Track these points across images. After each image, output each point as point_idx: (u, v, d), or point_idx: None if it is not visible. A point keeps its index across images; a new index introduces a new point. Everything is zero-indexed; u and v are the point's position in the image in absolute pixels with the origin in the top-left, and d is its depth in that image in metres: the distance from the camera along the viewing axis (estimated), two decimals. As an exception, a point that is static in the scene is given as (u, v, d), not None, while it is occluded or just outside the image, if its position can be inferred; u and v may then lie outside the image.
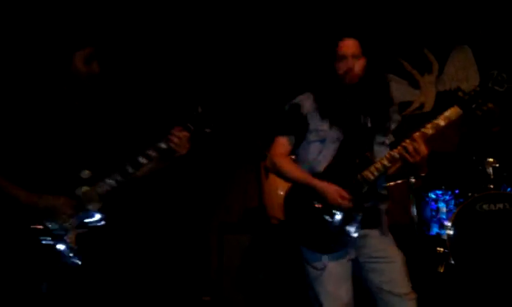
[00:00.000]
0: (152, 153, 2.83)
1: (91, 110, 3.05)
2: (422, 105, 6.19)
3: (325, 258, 2.89)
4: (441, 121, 2.88)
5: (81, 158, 2.91)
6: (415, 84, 6.21)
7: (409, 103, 6.19)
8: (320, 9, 5.67)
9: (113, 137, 3.04)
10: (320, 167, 2.97)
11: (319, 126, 3.01)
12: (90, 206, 2.82)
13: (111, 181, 2.83)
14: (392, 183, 5.19)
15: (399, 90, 6.18)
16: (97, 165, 2.88)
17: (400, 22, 6.09)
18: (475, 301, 4.46)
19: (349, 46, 2.95)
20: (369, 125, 2.95)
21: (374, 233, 2.99)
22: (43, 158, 2.90)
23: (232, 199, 5.86)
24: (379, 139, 3.00)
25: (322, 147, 2.99)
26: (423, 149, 2.80)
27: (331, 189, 2.86)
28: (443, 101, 6.07)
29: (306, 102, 3.08)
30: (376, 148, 3.00)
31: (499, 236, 4.54)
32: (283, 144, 3.12)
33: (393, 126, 3.05)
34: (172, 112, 3.16)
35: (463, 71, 6.04)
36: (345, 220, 2.88)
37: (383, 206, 3.06)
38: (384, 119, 3.00)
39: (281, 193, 5.21)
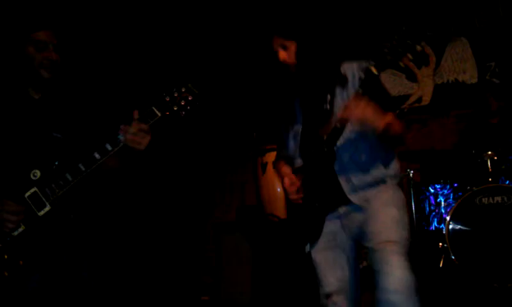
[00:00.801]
0: (109, 148, 2.62)
1: (48, 104, 2.86)
2: (420, 98, 6.16)
3: (307, 247, 2.88)
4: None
5: (32, 157, 2.71)
6: (413, 77, 6.18)
7: (407, 96, 6.17)
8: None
9: (70, 132, 2.83)
10: (298, 162, 2.98)
11: (285, 123, 3.07)
12: (39, 211, 2.63)
13: (60, 182, 2.63)
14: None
15: (397, 83, 6.16)
16: (49, 164, 2.68)
17: (396, 15, 6.06)
18: (475, 295, 4.46)
19: (275, 41, 2.90)
20: (327, 106, 2.83)
21: (353, 208, 2.81)
22: None
23: (229, 198, 5.83)
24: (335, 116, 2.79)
25: (294, 142, 3.01)
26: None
27: (284, 179, 2.87)
28: (441, 93, 6.05)
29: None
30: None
31: (498, 229, 4.52)
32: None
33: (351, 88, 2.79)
34: (138, 98, 2.92)
35: (460, 64, 6.01)
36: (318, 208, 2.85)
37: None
38: (334, 94, 2.83)
39: (279, 190, 5.21)
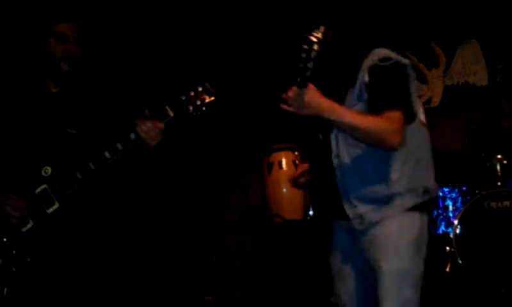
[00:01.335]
0: (119, 147, 2.59)
1: (65, 98, 2.83)
2: (429, 100, 6.12)
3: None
4: None
5: (45, 153, 2.69)
6: (423, 79, 6.13)
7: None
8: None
9: (85, 129, 2.79)
10: None
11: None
12: (48, 208, 2.62)
13: (70, 180, 2.61)
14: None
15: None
16: (61, 161, 2.65)
17: (407, 16, 6.01)
18: (483, 300, 4.42)
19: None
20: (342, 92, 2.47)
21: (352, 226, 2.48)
22: (2, 152, 2.73)
23: (233, 197, 5.80)
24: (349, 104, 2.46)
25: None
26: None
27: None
28: (451, 95, 6.01)
29: None
30: None
31: (507, 234, 4.48)
32: None
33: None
34: (153, 98, 2.85)
35: (470, 66, 5.96)
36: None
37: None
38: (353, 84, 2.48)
39: (285, 190, 5.18)
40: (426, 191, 2.43)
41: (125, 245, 4.71)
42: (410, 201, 2.38)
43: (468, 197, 4.74)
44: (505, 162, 4.74)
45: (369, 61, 2.41)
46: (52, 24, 2.75)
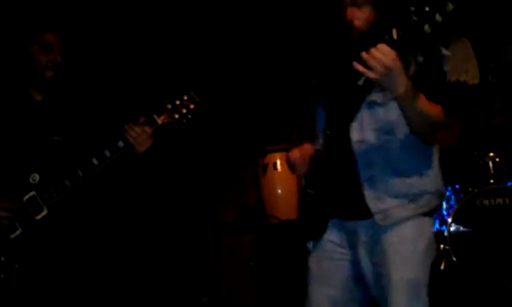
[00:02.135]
0: (107, 154, 2.63)
1: (50, 106, 2.87)
2: (421, 99, 6.12)
3: (310, 245, 2.47)
4: None
5: (32, 160, 2.74)
6: (415, 78, 6.14)
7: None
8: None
9: (71, 136, 2.85)
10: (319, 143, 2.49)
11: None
12: (36, 215, 2.65)
13: (58, 187, 2.65)
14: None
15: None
16: (48, 168, 2.70)
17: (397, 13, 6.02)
18: (477, 298, 4.44)
19: None
20: (360, 83, 2.26)
21: (364, 228, 2.34)
22: None
23: (229, 199, 5.81)
24: (370, 97, 2.29)
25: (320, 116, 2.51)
26: None
27: (292, 150, 2.48)
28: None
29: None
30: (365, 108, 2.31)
31: (500, 231, 4.50)
32: None
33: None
34: (140, 106, 2.87)
35: (462, 64, 5.97)
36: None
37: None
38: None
39: (280, 191, 5.20)
40: (441, 195, 2.40)
41: (121, 248, 4.72)
42: (432, 202, 2.33)
43: (462, 195, 4.75)
44: (497, 159, 4.77)
45: None
46: (37, 33, 2.78)
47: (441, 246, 4.73)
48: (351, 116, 2.28)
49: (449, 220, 4.60)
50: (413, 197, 2.27)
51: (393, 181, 2.25)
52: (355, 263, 2.38)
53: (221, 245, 4.94)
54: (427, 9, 1.93)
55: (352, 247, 2.37)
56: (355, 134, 2.28)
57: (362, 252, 2.33)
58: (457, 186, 5.00)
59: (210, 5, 5.56)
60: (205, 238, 5.44)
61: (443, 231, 4.76)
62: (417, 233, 2.28)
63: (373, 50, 1.99)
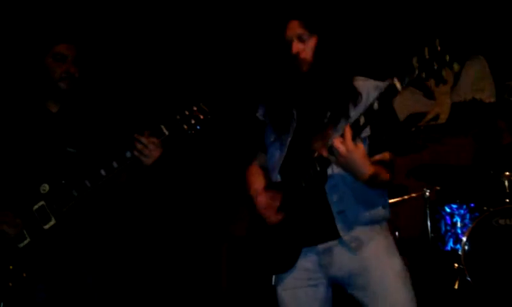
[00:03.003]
0: (115, 165, 2.64)
1: (65, 117, 2.91)
2: (437, 116, 6.11)
3: (273, 279, 2.55)
4: None
5: (44, 171, 2.77)
6: (430, 95, 6.13)
7: (424, 114, 6.12)
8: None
9: (84, 147, 2.88)
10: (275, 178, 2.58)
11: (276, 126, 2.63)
12: (44, 224, 2.67)
13: (66, 197, 2.67)
14: (406, 197, 5.14)
15: (414, 101, 6.11)
16: (59, 178, 2.72)
17: (414, 32, 6.02)
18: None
19: (293, 27, 2.47)
20: (326, 120, 2.45)
21: (339, 246, 2.44)
22: (3, 170, 2.81)
23: (243, 212, 5.80)
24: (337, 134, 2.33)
25: (279, 153, 2.58)
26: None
27: (258, 198, 2.53)
28: (459, 112, 6.00)
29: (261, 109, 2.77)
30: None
31: (515, 252, 4.45)
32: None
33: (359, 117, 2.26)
34: (150, 116, 2.88)
35: (478, 82, 5.96)
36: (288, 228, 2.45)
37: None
38: (342, 112, 2.44)
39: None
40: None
41: (131, 259, 4.73)
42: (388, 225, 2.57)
43: (477, 214, 4.71)
44: (513, 179, 4.74)
45: (370, 84, 2.46)
46: (51, 45, 2.81)
47: (456, 265, 4.70)
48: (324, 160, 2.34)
49: (464, 239, 4.55)
50: (377, 221, 2.49)
51: (361, 213, 2.43)
52: (330, 281, 2.50)
53: (234, 259, 4.94)
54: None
55: (326, 266, 2.46)
56: (328, 172, 2.41)
57: (336, 268, 2.45)
58: (472, 205, 4.97)
59: (221, 18, 5.59)
60: (217, 252, 5.43)
61: (457, 250, 4.73)
62: (385, 241, 2.50)
63: (334, 141, 2.18)
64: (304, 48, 2.45)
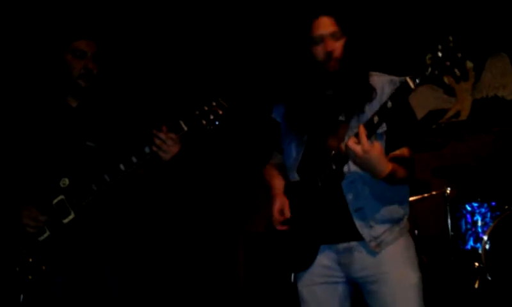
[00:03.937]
0: (134, 160, 2.64)
1: (84, 112, 2.93)
2: (458, 113, 6.05)
3: (292, 277, 2.60)
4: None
5: (64, 165, 2.79)
6: (451, 92, 6.07)
7: (445, 111, 6.06)
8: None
9: (103, 142, 2.89)
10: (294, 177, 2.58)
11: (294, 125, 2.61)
12: (64, 218, 2.70)
13: (85, 191, 2.69)
14: (426, 195, 5.10)
15: (435, 97, 6.06)
16: (78, 173, 2.74)
17: (435, 29, 5.97)
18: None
19: (326, 24, 2.42)
20: (343, 118, 2.44)
21: (359, 247, 2.45)
22: (24, 164, 2.83)
23: (260, 208, 5.80)
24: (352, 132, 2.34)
25: (296, 152, 2.58)
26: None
27: (275, 204, 2.58)
28: (480, 109, 5.94)
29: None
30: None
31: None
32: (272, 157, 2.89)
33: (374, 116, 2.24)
34: (168, 112, 2.87)
35: (500, 79, 5.89)
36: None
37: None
38: (357, 109, 2.43)
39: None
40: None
41: (146, 256, 4.74)
42: (407, 223, 2.56)
43: (498, 213, 4.68)
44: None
45: (385, 79, 2.45)
46: (70, 41, 2.83)
47: (476, 264, 4.66)
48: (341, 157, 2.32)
49: (485, 238, 4.52)
50: (396, 221, 2.47)
51: (379, 210, 2.41)
52: (349, 281, 2.51)
53: (251, 255, 4.93)
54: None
55: (346, 265, 2.47)
56: (345, 169, 2.39)
57: (356, 268, 2.45)
58: (493, 203, 4.92)
59: (242, 16, 5.59)
60: (235, 248, 5.43)
61: (478, 249, 4.69)
62: (406, 245, 2.49)
63: (349, 142, 2.17)
64: (338, 47, 2.41)
